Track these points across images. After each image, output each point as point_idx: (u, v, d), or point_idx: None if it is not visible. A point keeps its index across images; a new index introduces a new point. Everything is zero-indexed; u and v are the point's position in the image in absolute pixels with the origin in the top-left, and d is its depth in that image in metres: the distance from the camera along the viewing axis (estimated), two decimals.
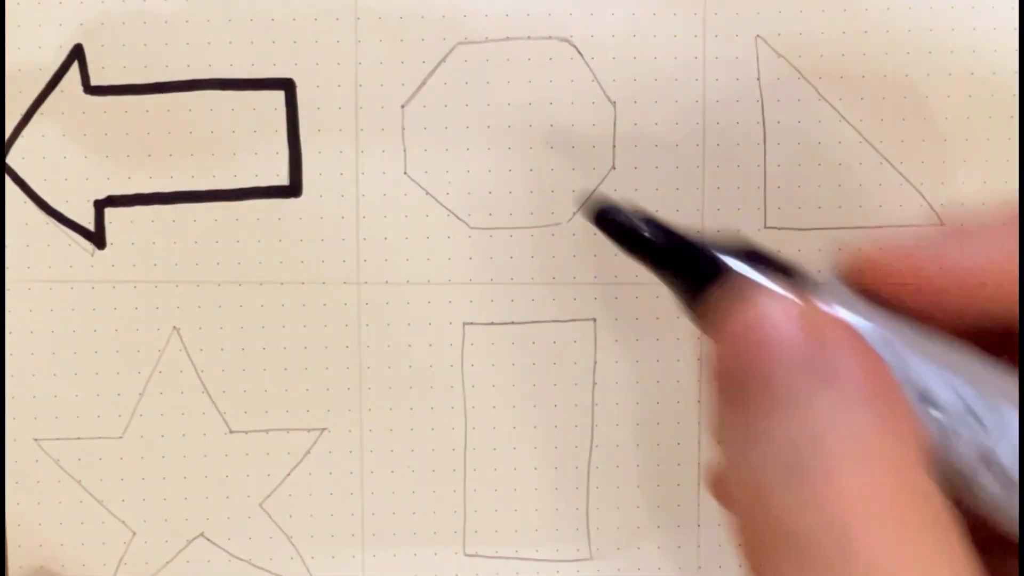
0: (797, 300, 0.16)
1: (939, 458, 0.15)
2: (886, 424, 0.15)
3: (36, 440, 0.29)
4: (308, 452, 0.29)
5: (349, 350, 0.28)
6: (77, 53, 0.28)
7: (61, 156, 0.28)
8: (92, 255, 0.28)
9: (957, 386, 0.15)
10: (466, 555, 0.29)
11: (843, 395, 0.15)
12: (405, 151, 0.28)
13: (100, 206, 0.28)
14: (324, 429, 0.29)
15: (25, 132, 0.28)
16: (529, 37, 0.27)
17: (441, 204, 0.28)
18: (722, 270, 0.17)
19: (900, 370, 0.15)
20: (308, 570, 0.29)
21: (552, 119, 0.28)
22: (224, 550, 0.29)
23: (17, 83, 0.28)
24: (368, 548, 0.29)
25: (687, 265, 0.17)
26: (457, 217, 0.28)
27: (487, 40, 0.27)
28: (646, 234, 0.18)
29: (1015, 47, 0.27)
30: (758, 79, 0.27)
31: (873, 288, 0.17)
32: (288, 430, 0.29)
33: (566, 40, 0.27)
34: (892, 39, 0.27)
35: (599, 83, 0.28)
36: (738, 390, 0.16)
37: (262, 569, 0.29)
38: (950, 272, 0.16)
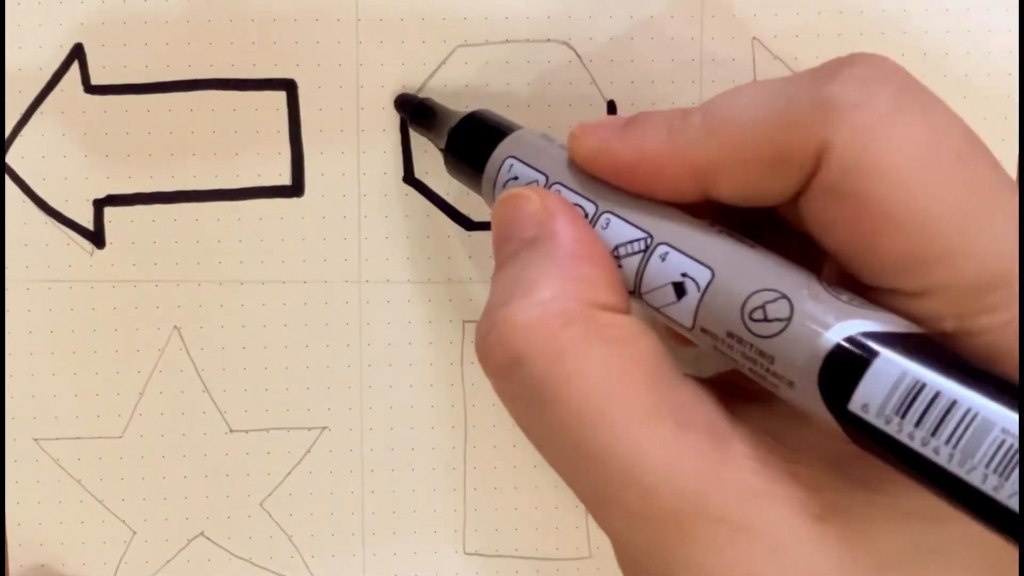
0: (536, 188, 0.21)
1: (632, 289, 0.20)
2: (572, 271, 0.19)
3: (36, 440, 0.29)
4: (309, 451, 0.29)
5: (350, 348, 0.29)
6: (77, 52, 0.28)
7: (61, 155, 0.28)
8: (91, 254, 0.28)
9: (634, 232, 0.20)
10: (466, 553, 0.29)
11: (548, 253, 0.19)
12: (406, 152, 0.28)
13: (100, 205, 0.28)
14: (325, 428, 0.29)
15: (24, 131, 0.28)
16: (528, 40, 0.28)
17: (441, 204, 0.28)
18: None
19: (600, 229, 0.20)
20: (308, 569, 0.29)
21: (550, 121, 0.28)
22: (224, 549, 0.29)
23: (17, 82, 0.28)
24: (368, 547, 0.29)
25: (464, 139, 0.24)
26: (457, 217, 0.28)
27: (487, 43, 0.28)
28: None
29: (1010, 49, 0.27)
30: (755, 81, 0.28)
31: (592, 168, 0.21)
32: (288, 429, 0.29)
33: (564, 43, 0.28)
34: (888, 41, 0.27)
35: (597, 85, 0.28)
36: (496, 250, 0.21)
37: (262, 568, 0.29)
38: (627, 163, 0.20)
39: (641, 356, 0.18)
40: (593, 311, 0.18)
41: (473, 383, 0.29)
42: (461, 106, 0.27)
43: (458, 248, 0.28)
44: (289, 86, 0.28)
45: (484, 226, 0.28)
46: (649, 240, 0.19)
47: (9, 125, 0.28)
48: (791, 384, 0.17)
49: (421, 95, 0.27)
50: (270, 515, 0.29)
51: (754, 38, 0.28)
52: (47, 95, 0.28)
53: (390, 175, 0.28)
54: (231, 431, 0.29)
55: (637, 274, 0.19)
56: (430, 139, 0.26)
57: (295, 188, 0.28)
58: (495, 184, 0.23)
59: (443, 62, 0.28)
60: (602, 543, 0.29)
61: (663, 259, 0.19)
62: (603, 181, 0.20)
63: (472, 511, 0.29)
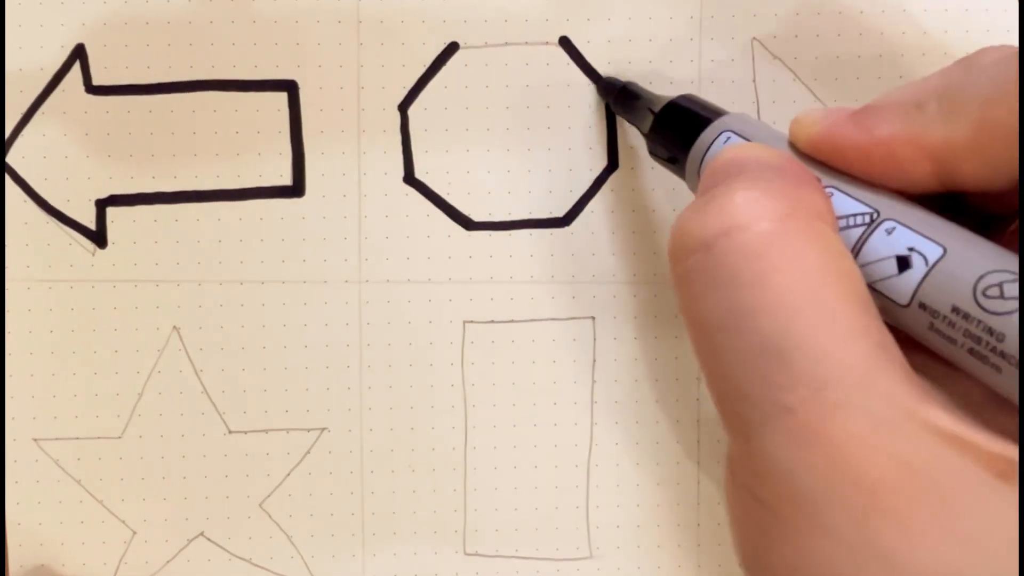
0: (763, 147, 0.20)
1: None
2: (803, 207, 0.18)
3: (35, 440, 0.29)
4: (308, 452, 0.29)
5: (350, 349, 0.29)
6: (79, 53, 0.28)
7: (62, 155, 0.28)
8: (93, 254, 0.28)
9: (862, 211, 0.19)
10: (466, 554, 0.29)
11: (777, 172, 0.18)
12: (406, 153, 0.28)
13: (102, 205, 0.28)
14: (324, 429, 0.29)
15: (25, 131, 0.28)
16: (527, 42, 0.28)
17: (441, 204, 0.28)
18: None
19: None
20: (308, 569, 0.29)
21: (549, 122, 0.28)
22: (224, 549, 0.29)
23: (18, 82, 0.28)
24: (368, 547, 0.29)
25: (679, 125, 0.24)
26: (457, 217, 0.28)
27: (486, 45, 0.28)
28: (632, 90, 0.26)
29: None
30: (754, 81, 0.28)
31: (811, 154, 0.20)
32: (288, 430, 0.29)
33: (563, 45, 0.28)
34: (887, 42, 0.27)
35: (596, 86, 0.28)
36: (708, 180, 0.19)
37: (262, 568, 0.29)
38: (857, 147, 0.19)
39: (856, 275, 0.17)
40: (819, 220, 0.18)
41: (473, 384, 0.29)
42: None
43: (458, 248, 0.28)
44: (290, 87, 0.28)
45: (484, 226, 0.28)
46: (875, 215, 0.19)
47: (10, 125, 0.28)
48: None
49: (623, 80, 0.28)
50: (270, 516, 0.29)
51: (753, 38, 0.28)
52: (48, 95, 0.28)
53: (390, 175, 0.28)
54: (230, 432, 0.29)
55: (856, 246, 0.19)
56: (631, 121, 0.27)
57: (296, 188, 0.28)
58: (704, 158, 0.23)
59: (443, 64, 0.28)
60: (602, 543, 0.29)
61: (889, 233, 0.18)
62: (827, 164, 0.20)
63: (472, 511, 0.29)
